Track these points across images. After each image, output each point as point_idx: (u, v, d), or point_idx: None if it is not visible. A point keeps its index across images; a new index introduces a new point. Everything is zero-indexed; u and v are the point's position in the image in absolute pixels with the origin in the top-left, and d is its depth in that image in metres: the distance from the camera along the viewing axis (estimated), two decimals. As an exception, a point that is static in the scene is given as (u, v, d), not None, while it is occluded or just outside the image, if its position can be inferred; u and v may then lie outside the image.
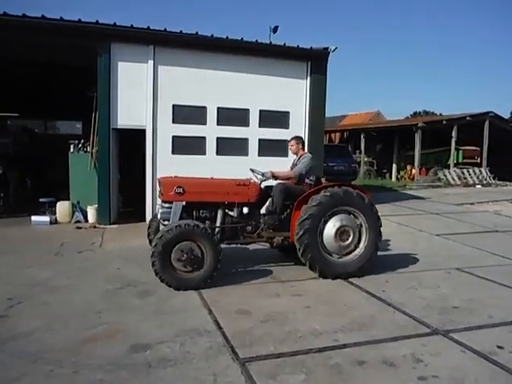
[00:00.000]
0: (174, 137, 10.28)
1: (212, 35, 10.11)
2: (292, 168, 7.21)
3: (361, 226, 6.54)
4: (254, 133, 10.83)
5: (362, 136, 28.31)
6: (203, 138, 10.51)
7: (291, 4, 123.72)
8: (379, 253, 6.95)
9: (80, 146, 10.73)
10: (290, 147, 7.37)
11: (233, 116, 10.69)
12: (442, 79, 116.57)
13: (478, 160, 25.94)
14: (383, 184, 20.74)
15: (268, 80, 10.92)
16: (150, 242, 6.62)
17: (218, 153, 10.58)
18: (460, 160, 25.39)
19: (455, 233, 9.85)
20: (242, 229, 6.52)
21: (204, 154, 10.51)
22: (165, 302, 5.22)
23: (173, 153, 10.29)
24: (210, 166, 10.38)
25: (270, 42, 10.85)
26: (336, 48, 10.95)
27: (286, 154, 11.09)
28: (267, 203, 6.84)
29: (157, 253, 5.48)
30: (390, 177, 27.77)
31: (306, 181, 6.89)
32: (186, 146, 10.41)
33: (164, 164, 10.17)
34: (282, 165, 10.99)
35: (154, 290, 5.60)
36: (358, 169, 24.29)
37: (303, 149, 7.36)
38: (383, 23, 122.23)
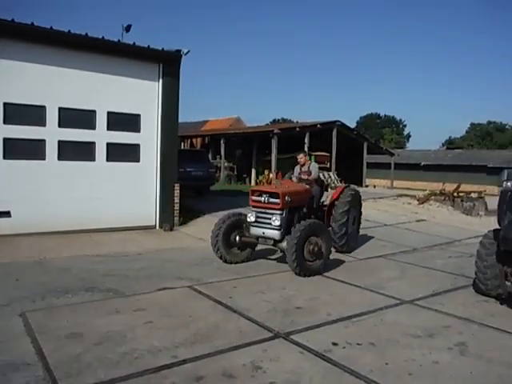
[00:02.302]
0: (5, 139, 9.00)
1: (51, 27, 9.14)
2: (300, 173, 8.89)
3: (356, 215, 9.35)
4: (101, 136, 10.05)
5: (222, 141, 28.71)
6: (42, 141, 9.42)
7: (149, 4, 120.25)
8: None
9: None
10: (299, 160, 9.02)
11: (77, 117, 9.78)
12: (301, 88, 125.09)
13: (328, 165, 28.13)
14: (241, 189, 21.17)
15: (117, 80, 10.25)
16: (218, 249, 7.65)
17: (60, 157, 9.56)
18: (312, 165, 27.21)
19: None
20: None
21: (43, 158, 9.42)
22: (-22, 333, 4.42)
23: (4, 157, 9.00)
24: (51, 172, 9.47)
25: (119, 40, 10.18)
26: (189, 51, 10.75)
27: (137, 159, 10.62)
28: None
29: (297, 247, 6.71)
30: (250, 181, 28.61)
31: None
32: (21, 149, 9.19)
33: (-6, 170, 8.90)
34: (135, 170, 10.54)
35: (-34, 319, 4.73)
36: (217, 174, 24.56)
37: (309, 160, 9.41)
38: (244, 30, 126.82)
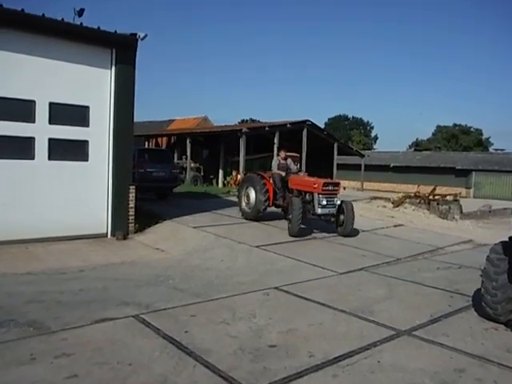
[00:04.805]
0: None
1: (-24, -1, 7.70)
2: (281, 165, 11.69)
3: None
4: (42, 131, 8.60)
5: (188, 141, 27.36)
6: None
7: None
8: (190, 275, 5.73)
9: None
10: (282, 155, 11.96)
11: (13, 109, 8.30)
12: (268, 89, 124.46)
13: (298, 165, 27.20)
14: (207, 190, 19.93)
15: (62, 67, 8.86)
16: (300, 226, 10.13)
17: (-11, 155, 8.14)
18: (282, 165, 26.23)
19: (275, 242, 9.23)
20: None
21: (-33, 156, 7.99)
22: None
23: None
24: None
25: (62, 19, 8.75)
26: (146, 35, 9.45)
27: (86, 158, 9.28)
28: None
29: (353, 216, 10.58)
30: (217, 183, 27.39)
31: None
32: None
33: None
34: (82, 170, 9.19)
35: None
36: (181, 175, 23.24)
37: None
38: (213, 31, 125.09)
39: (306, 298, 5.84)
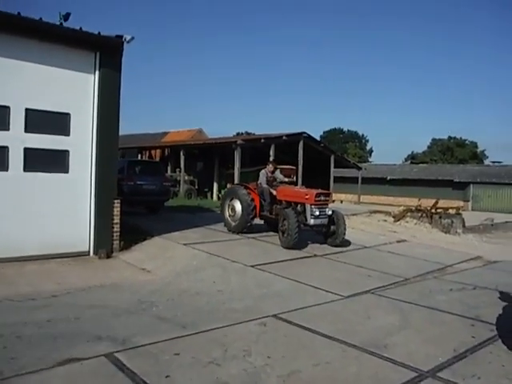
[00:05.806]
0: None
1: None
2: (270, 178, 11.51)
3: None
4: (17, 139, 7.85)
5: (182, 153, 26.64)
6: None
7: None
8: (177, 301, 4.98)
9: None
10: (270, 168, 11.62)
11: (-16, 115, 7.65)
12: (264, 102, 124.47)
13: (294, 178, 26.53)
14: (201, 204, 19.17)
15: (40, 70, 8.15)
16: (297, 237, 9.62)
17: (-43, 166, 7.39)
18: (277, 178, 25.56)
19: (271, 261, 8.46)
20: None
21: None
22: None
23: None
24: None
25: (41, 19, 8.08)
26: (132, 38, 8.79)
27: (65, 170, 8.53)
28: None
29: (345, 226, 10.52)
30: (212, 196, 26.66)
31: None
32: None
33: None
34: (62, 183, 8.44)
35: None
36: (175, 188, 22.56)
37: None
38: (207, 43, 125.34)
39: (309, 329, 5.08)
